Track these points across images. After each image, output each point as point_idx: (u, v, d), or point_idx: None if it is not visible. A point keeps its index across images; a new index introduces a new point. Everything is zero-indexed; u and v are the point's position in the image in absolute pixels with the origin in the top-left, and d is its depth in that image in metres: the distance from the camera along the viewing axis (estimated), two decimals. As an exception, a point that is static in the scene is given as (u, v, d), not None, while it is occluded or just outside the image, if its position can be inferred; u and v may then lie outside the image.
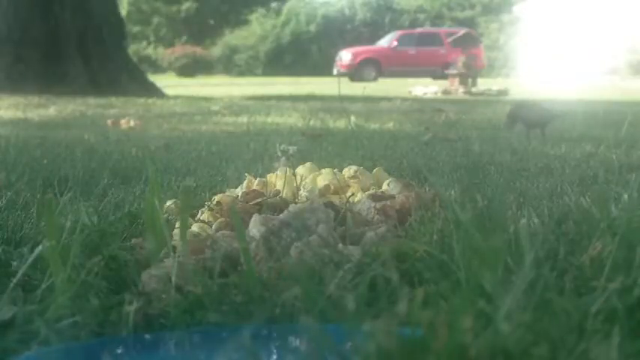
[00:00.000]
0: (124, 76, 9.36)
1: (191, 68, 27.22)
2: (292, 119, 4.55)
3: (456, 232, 0.85)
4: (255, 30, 31.47)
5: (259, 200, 1.19)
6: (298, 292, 0.73)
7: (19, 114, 5.08)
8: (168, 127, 3.94)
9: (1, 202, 1.29)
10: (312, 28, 31.27)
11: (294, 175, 1.38)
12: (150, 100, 7.26)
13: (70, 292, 0.76)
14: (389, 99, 7.43)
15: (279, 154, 1.44)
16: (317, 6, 33.02)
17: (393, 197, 1.20)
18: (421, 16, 30.89)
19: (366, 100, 6.71)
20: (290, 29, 31.15)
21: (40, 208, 1.12)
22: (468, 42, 17.10)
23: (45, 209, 0.84)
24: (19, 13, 8.99)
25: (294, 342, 0.69)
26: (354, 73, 18.31)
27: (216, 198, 1.23)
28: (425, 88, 11.48)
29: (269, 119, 4.58)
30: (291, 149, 1.42)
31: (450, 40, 19.02)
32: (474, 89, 11.12)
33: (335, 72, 19.07)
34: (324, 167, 1.41)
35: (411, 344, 0.49)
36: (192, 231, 1.06)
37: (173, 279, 0.79)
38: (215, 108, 6.02)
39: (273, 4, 33.22)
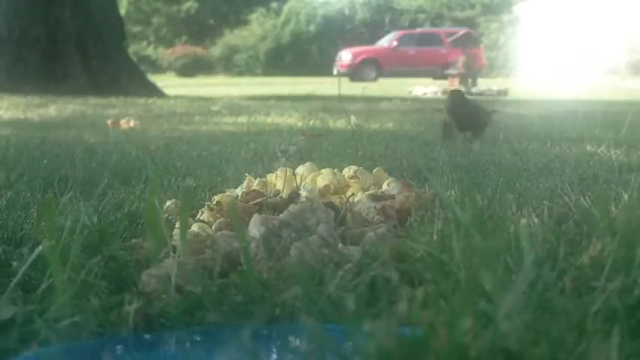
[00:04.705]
0: (124, 76, 9.36)
1: (191, 68, 27.22)
2: (292, 119, 4.55)
3: (456, 232, 0.85)
4: (255, 30, 31.45)
5: (259, 200, 1.19)
6: (298, 292, 0.73)
7: (19, 114, 5.08)
8: (168, 127, 3.94)
9: (1, 202, 1.29)
10: (312, 28, 31.26)
11: (294, 175, 1.38)
12: (150, 100, 7.26)
13: (70, 292, 0.76)
14: (389, 99, 7.42)
15: (279, 154, 1.44)
16: (317, 6, 33.05)
17: (393, 197, 1.20)
18: (421, 16, 30.87)
19: (366, 100, 6.71)
20: (290, 29, 31.14)
21: (40, 208, 1.12)
22: (468, 42, 17.10)
23: (45, 209, 0.84)
24: (19, 13, 8.98)
25: (294, 342, 0.69)
26: (354, 73, 18.30)
27: (216, 198, 1.23)
28: (425, 88, 11.48)
29: (269, 119, 4.58)
30: (291, 149, 1.42)
31: (450, 40, 19.02)
32: (474, 89, 11.11)
33: (335, 72, 19.05)
34: (324, 167, 1.41)
35: (411, 344, 0.49)
36: (192, 231, 1.06)
37: (173, 279, 0.79)
38: (215, 108, 6.02)
39: (273, 4, 33.21)
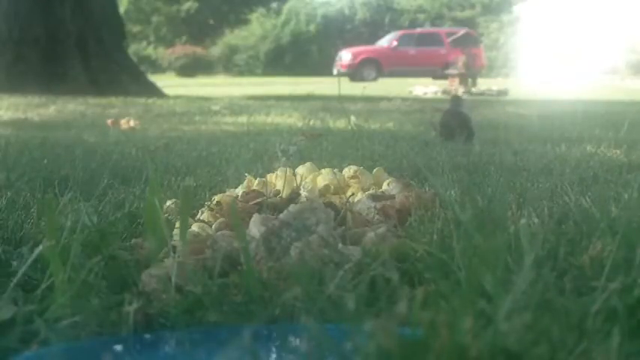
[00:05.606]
0: (124, 76, 9.36)
1: (191, 68, 27.22)
2: (292, 119, 4.55)
3: (456, 232, 0.85)
4: (255, 30, 31.46)
5: (259, 200, 1.19)
6: (298, 292, 0.73)
7: (19, 114, 5.08)
8: (168, 127, 3.94)
9: (1, 202, 1.29)
10: (312, 28, 31.26)
11: (294, 175, 1.38)
12: (150, 100, 7.26)
13: (70, 292, 0.76)
14: (389, 99, 7.42)
15: (279, 154, 1.44)
16: (317, 6, 33.03)
17: (393, 197, 1.20)
18: (421, 16, 30.87)
19: (366, 100, 6.71)
20: (290, 29, 31.14)
21: (40, 208, 1.13)
22: (468, 42, 17.10)
23: (45, 209, 0.84)
24: (19, 13, 8.99)
25: (294, 342, 0.69)
26: (354, 73, 18.30)
27: (216, 198, 1.23)
28: (425, 88, 11.48)
29: (269, 119, 4.58)
30: (291, 149, 1.42)
31: (450, 40, 19.02)
32: (473, 89, 11.11)
33: (335, 72, 19.04)
34: (324, 167, 1.41)
35: (411, 344, 0.49)
36: (192, 231, 1.06)
37: (173, 279, 0.79)
38: (215, 108, 6.02)
39: (273, 4, 33.22)
